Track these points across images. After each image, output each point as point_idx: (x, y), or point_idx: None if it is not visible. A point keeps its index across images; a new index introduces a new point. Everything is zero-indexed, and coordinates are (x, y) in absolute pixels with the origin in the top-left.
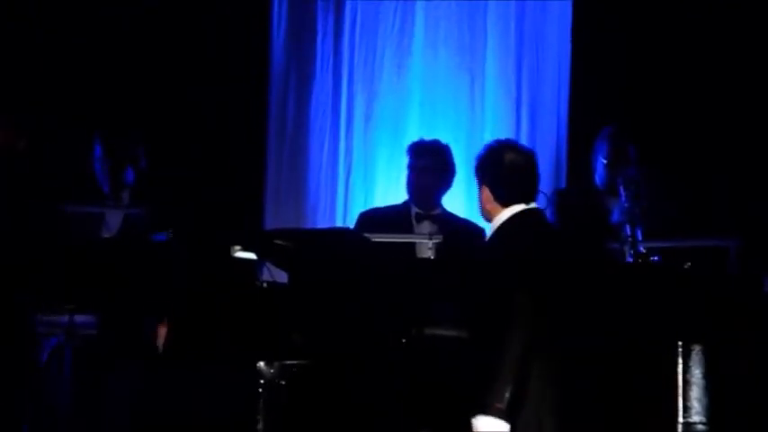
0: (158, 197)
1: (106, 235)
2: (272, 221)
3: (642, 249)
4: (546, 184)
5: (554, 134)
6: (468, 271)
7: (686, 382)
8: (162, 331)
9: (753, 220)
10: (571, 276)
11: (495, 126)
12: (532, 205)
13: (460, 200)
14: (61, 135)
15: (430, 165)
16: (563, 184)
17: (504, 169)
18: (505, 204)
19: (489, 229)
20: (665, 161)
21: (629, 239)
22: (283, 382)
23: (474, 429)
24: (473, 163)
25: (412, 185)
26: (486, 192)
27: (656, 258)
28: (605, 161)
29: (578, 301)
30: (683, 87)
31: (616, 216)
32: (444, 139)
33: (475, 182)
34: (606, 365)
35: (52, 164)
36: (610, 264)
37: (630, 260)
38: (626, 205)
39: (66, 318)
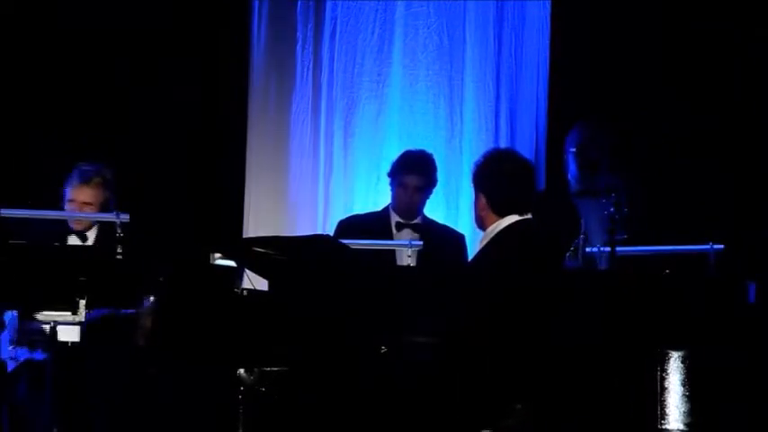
0: (137, 206)
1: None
2: (251, 229)
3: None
4: None
5: (533, 140)
6: (450, 280)
7: (664, 389)
8: None
9: (737, 225)
10: (553, 285)
11: (474, 132)
12: (527, 216)
13: (440, 206)
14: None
15: (418, 182)
16: (540, 189)
17: (501, 179)
18: (500, 214)
19: (483, 235)
20: (644, 163)
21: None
22: (263, 389)
23: None
24: (447, 169)
25: (398, 200)
26: (483, 199)
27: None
28: (574, 149)
29: (559, 309)
30: (664, 88)
31: (588, 222)
32: (423, 146)
33: (454, 188)
34: (585, 372)
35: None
36: (588, 271)
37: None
38: (606, 212)
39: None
